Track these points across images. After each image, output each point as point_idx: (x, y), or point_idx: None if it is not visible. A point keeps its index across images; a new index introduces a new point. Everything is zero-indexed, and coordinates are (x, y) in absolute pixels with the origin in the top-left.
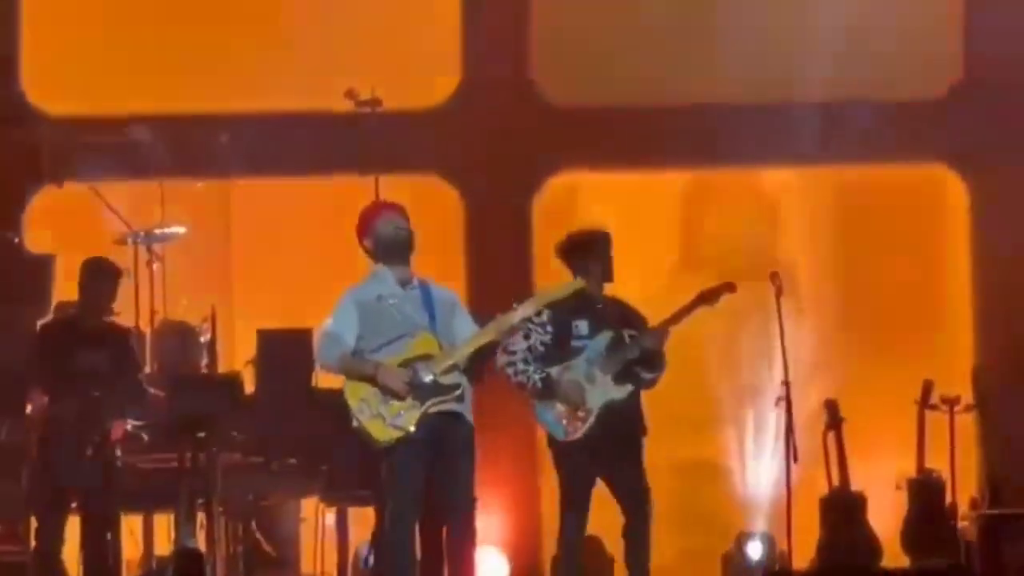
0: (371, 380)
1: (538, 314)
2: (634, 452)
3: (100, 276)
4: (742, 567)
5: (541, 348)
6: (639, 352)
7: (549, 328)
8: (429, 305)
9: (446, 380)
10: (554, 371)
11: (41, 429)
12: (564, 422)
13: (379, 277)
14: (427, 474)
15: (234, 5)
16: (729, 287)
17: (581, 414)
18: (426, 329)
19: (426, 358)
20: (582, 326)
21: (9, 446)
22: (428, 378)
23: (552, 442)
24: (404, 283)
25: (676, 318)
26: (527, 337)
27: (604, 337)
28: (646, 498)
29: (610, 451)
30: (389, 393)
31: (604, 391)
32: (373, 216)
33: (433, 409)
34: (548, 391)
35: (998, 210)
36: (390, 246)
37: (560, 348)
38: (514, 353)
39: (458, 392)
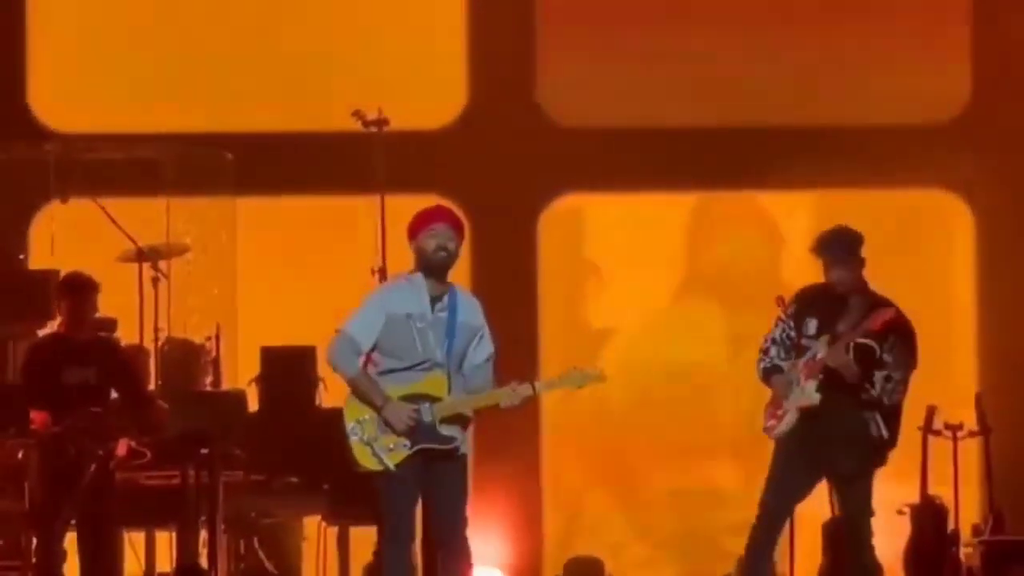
0: (376, 410)
1: (789, 305)
2: (845, 470)
3: (77, 291)
4: None
5: (787, 341)
6: (834, 363)
7: (791, 323)
8: (451, 332)
9: (444, 430)
10: (786, 364)
11: (43, 445)
12: (767, 414)
13: (415, 287)
14: (419, 496)
15: (242, 24)
16: None
17: (780, 412)
18: (440, 367)
19: (432, 399)
20: (811, 325)
21: (13, 462)
22: (427, 420)
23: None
24: (436, 300)
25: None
26: (776, 326)
27: (823, 340)
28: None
29: (816, 459)
30: (390, 429)
31: (801, 393)
32: (423, 224)
33: (421, 449)
34: (767, 380)
35: (1002, 236)
36: (427, 265)
37: (795, 343)
38: (765, 340)
39: (451, 445)
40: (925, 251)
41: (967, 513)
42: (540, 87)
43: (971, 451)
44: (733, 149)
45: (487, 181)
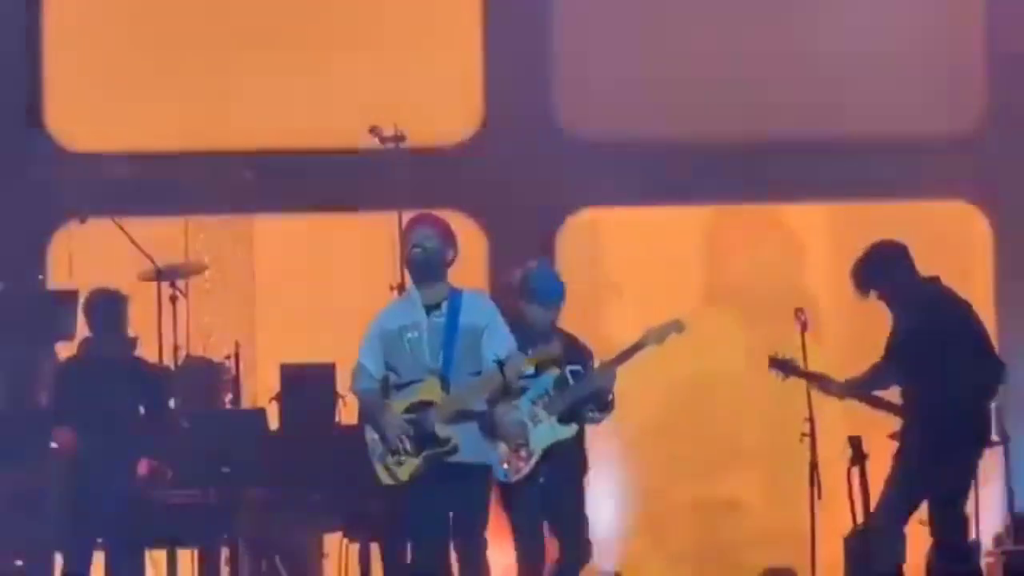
0: (375, 425)
1: None
2: (578, 495)
3: (105, 307)
4: None
5: None
6: (587, 392)
7: None
8: (451, 337)
9: (441, 432)
10: (497, 411)
11: (68, 465)
12: (505, 464)
13: (409, 300)
14: (443, 517)
15: (258, 42)
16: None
17: (524, 454)
18: (435, 374)
19: (428, 405)
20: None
21: (35, 482)
22: (426, 426)
23: (498, 482)
24: (432, 307)
25: (623, 357)
26: None
27: (549, 376)
28: (583, 544)
29: (556, 493)
30: (386, 443)
31: (550, 431)
32: (404, 234)
33: (430, 460)
34: (489, 431)
35: (1022, 249)
36: (410, 268)
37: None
38: None
39: (449, 446)
40: (944, 263)
41: (988, 523)
42: (557, 101)
43: (991, 461)
44: (751, 161)
45: (505, 196)
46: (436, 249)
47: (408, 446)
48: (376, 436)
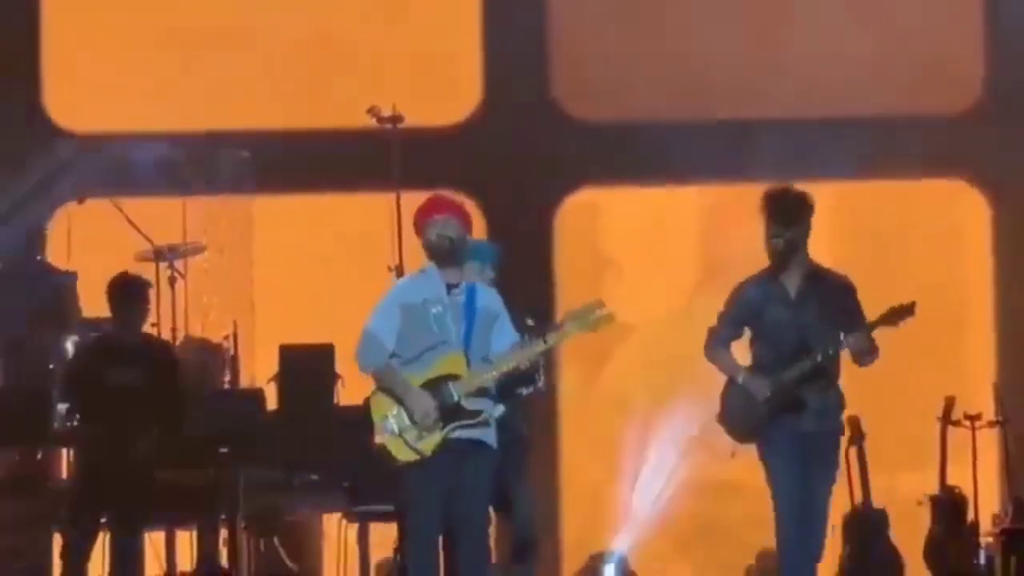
0: (399, 401)
1: None
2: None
3: (131, 292)
4: None
5: None
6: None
7: None
8: (470, 316)
9: (470, 405)
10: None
11: (73, 446)
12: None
13: (429, 276)
14: (447, 497)
15: (256, 23)
16: None
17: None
18: (458, 347)
19: (453, 379)
20: None
21: (30, 465)
22: (452, 400)
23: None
24: (452, 287)
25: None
26: None
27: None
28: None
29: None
30: (412, 419)
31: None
32: (422, 219)
33: (454, 435)
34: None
35: (1020, 226)
36: (433, 253)
37: None
38: None
39: (481, 418)
40: (942, 241)
41: (986, 503)
42: (555, 81)
43: (990, 441)
44: (749, 140)
45: (503, 176)
46: (461, 238)
47: (435, 421)
48: (394, 411)
